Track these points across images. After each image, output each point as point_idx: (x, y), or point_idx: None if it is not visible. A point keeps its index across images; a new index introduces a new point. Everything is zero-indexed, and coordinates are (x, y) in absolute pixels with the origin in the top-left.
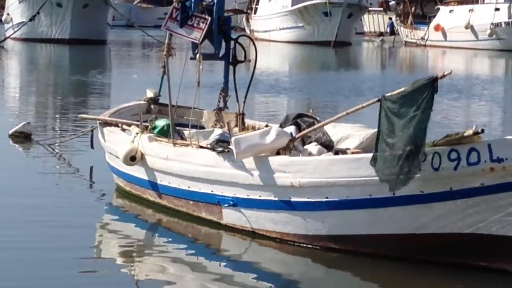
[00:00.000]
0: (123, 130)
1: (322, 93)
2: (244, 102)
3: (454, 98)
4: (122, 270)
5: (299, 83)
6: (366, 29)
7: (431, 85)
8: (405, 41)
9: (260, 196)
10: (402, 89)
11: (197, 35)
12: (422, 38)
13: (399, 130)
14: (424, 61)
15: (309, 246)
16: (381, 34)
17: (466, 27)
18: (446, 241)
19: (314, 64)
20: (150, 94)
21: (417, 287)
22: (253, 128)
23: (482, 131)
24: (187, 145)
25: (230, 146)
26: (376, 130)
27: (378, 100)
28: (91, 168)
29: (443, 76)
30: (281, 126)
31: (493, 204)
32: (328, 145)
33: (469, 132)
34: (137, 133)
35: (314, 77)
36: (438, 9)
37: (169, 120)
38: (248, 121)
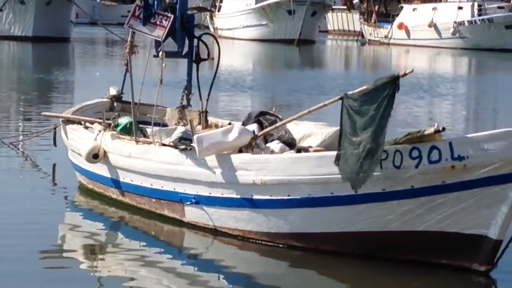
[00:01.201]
0: (86, 127)
1: (285, 91)
2: (207, 100)
3: (417, 97)
4: (84, 267)
5: (262, 81)
6: (330, 27)
7: (393, 83)
8: (369, 40)
9: (222, 194)
10: (364, 87)
11: (159, 33)
12: (386, 37)
13: (361, 129)
14: (387, 60)
15: (271, 244)
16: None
17: (430, 26)
18: (408, 239)
19: (278, 62)
20: (113, 91)
21: (379, 285)
22: (216, 126)
23: (443, 129)
24: (149, 143)
25: (192, 144)
26: (338, 128)
27: (340, 98)
28: (54, 165)
29: (405, 74)
30: (244, 124)
31: (454, 202)
32: (290, 143)
33: (431, 130)
34: (99, 131)
35: (277, 75)
36: (402, 7)
37: (131, 117)
38: (211, 119)
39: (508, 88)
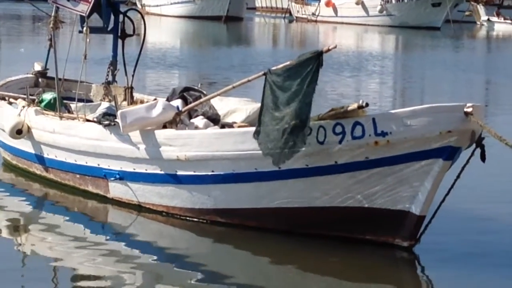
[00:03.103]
0: (10, 103)
1: (212, 68)
2: (133, 76)
3: (344, 74)
4: (8, 244)
5: (189, 58)
6: (257, 4)
7: (316, 59)
8: (296, 17)
9: (146, 170)
10: (288, 62)
11: (84, 8)
12: (313, 14)
13: (284, 104)
14: (314, 37)
15: (195, 219)
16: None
17: (357, 3)
18: (332, 215)
19: (205, 39)
20: (37, 67)
21: (303, 261)
22: (142, 102)
23: (367, 105)
24: (73, 119)
25: (116, 120)
26: None
27: (264, 74)
28: None
29: (328, 50)
30: (168, 99)
31: (378, 178)
32: (214, 119)
33: (354, 106)
34: (23, 107)
35: (204, 52)
36: None
37: (56, 93)
38: (136, 95)
39: (434, 66)
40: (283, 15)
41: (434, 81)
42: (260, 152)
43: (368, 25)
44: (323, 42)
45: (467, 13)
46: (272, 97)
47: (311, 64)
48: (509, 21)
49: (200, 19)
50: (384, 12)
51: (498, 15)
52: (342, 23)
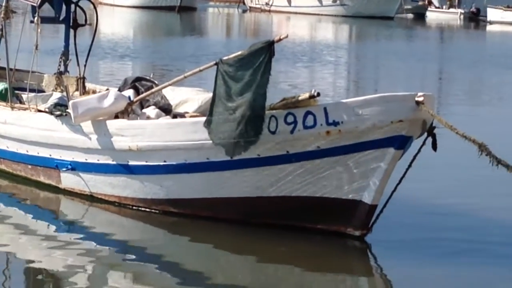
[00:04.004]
0: None
1: (165, 58)
2: (85, 66)
3: (298, 63)
4: None
5: (142, 48)
6: None
7: (268, 48)
8: (250, 7)
9: (98, 160)
10: (240, 52)
11: None
12: (267, 4)
13: (237, 94)
14: (268, 27)
15: (147, 210)
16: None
17: None
18: (284, 205)
19: (158, 30)
20: None
21: (255, 251)
22: (94, 92)
23: (318, 94)
24: (25, 109)
25: (68, 110)
26: None
27: (216, 64)
28: None
29: (280, 39)
30: (120, 89)
31: (329, 168)
32: (166, 109)
33: (305, 95)
34: None
35: (158, 43)
36: None
37: (7, 83)
38: (89, 85)
39: (388, 56)
40: (237, 5)
41: (387, 71)
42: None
43: (322, 15)
44: (277, 32)
45: (420, 3)
46: (224, 87)
47: (263, 54)
48: (442, 9)
49: (154, 9)
50: (338, 2)
51: (429, 3)
52: (296, 13)
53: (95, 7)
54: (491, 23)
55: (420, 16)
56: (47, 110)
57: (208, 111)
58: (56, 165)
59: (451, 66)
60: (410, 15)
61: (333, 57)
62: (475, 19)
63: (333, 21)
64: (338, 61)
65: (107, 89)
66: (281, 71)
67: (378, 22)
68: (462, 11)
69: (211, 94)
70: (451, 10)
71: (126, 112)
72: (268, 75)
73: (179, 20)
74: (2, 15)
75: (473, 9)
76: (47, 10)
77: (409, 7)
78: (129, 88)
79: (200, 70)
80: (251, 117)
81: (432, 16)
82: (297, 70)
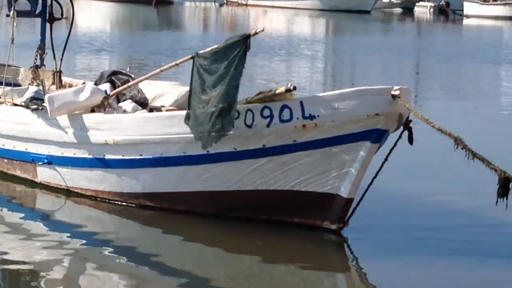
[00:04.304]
0: None
1: (142, 52)
2: (61, 60)
3: (275, 57)
4: None
5: (119, 42)
6: None
7: (244, 42)
8: (227, 1)
9: (74, 154)
10: (216, 46)
11: None
12: None
13: (211, 87)
14: (245, 21)
15: (124, 203)
16: None
17: None
18: (260, 198)
19: (135, 24)
20: None
21: (232, 244)
22: (70, 86)
23: (295, 88)
24: (1, 103)
25: (44, 104)
26: None
27: (192, 57)
28: None
29: (256, 33)
30: (96, 83)
31: (306, 161)
32: (142, 103)
33: (282, 89)
34: None
35: (134, 37)
36: None
37: None
38: (65, 79)
39: (365, 49)
40: None
41: (364, 65)
42: (189, 135)
43: (299, 8)
44: (254, 26)
45: None
46: (199, 81)
47: (238, 47)
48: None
49: (131, 3)
50: None
51: None
52: (273, 6)
53: (71, 1)
54: (467, 16)
55: (409, 10)
56: (23, 104)
57: (187, 106)
58: (32, 159)
59: (428, 60)
60: (398, 10)
61: (310, 51)
62: (445, 12)
63: (310, 15)
64: (315, 55)
65: (84, 83)
66: (258, 65)
67: (355, 16)
68: (432, 4)
69: (187, 88)
70: (421, 3)
71: (102, 106)
72: (241, 68)
73: (156, 14)
74: None
75: (442, 2)
76: (23, 3)
77: (398, 1)
78: (106, 82)
79: (176, 64)
80: (224, 109)
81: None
82: (274, 64)
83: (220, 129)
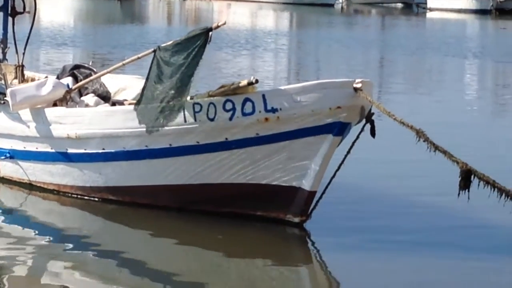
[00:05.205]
0: None
1: (106, 46)
2: (24, 54)
3: (240, 51)
4: None
5: (82, 36)
6: None
7: (205, 35)
8: None
9: (37, 148)
10: (178, 38)
11: None
12: None
13: (167, 77)
14: (209, 14)
15: (87, 197)
16: None
17: None
18: (223, 192)
19: (99, 18)
20: None
21: (195, 238)
22: (33, 80)
23: (257, 81)
24: None
25: (6, 98)
26: None
27: (154, 51)
28: None
29: (217, 26)
30: (58, 77)
31: (269, 154)
32: (105, 97)
33: (244, 82)
34: None
35: (98, 31)
36: None
37: None
38: (28, 73)
39: (329, 43)
40: None
41: (329, 58)
42: None
43: (263, 2)
44: (218, 19)
45: None
46: (157, 72)
47: (199, 40)
48: None
49: None
50: None
51: None
52: (236, 0)
53: None
54: (431, 10)
55: (408, 6)
56: None
57: (140, 96)
58: None
59: (392, 54)
60: (400, 5)
61: (274, 45)
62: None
63: (273, 8)
64: (280, 49)
65: (46, 77)
66: (223, 59)
67: (319, 10)
68: None
69: None
70: None
71: (64, 100)
72: (198, 59)
73: (120, 8)
74: None
75: None
76: None
77: None
78: (68, 75)
79: (139, 57)
80: (175, 96)
81: None
82: (238, 57)
83: (168, 116)
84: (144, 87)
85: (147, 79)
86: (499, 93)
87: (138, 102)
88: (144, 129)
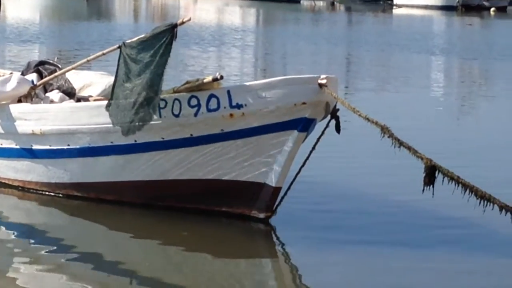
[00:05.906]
0: None
1: (71, 43)
2: None
3: (205, 47)
4: None
5: (48, 32)
6: None
7: (170, 31)
8: None
9: (1, 144)
10: (143, 35)
11: None
12: None
13: (136, 75)
14: (175, 10)
15: (52, 194)
16: None
17: None
18: (188, 188)
19: (65, 14)
20: None
21: (159, 234)
22: None
23: (221, 77)
24: None
25: None
26: None
27: (119, 47)
28: None
29: (183, 22)
30: (23, 73)
31: (233, 150)
32: (70, 93)
33: (209, 78)
34: None
35: (64, 27)
36: None
37: None
38: None
39: (295, 39)
40: None
41: (295, 54)
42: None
43: None
44: (184, 16)
45: None
46: (125, 69)
47: (165, 37)
48: None
49: None
50: None
51: None
52: None
53: None
54: (398, 6)
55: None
56: None
57: (110, 94)
58: None
59: (359, 50)
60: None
61: (241, 41)
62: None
63: (240, 4)
64: (246, 45)
65: (11, 73)
66: (189, 55)
67: (285, 6)
68: None
69: None
70: None
71: (29, 96)
72: (167, 57)
73: (86, 5)
74: None
75: None
76: None
77: None
78: (33, 72)
79: (104, 54)
80: (148, 97)
81: None
82: (204, 53)
83: (143, 117)
84: (113, 85)
85: (116, 76)
86: (465, 90)
87: (109, 102)
88: (111, 126)
